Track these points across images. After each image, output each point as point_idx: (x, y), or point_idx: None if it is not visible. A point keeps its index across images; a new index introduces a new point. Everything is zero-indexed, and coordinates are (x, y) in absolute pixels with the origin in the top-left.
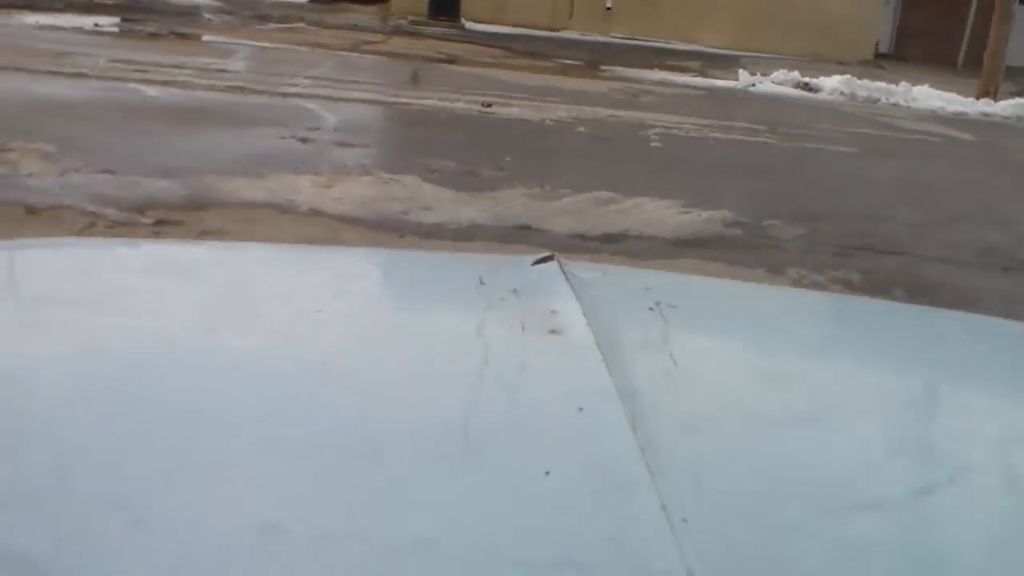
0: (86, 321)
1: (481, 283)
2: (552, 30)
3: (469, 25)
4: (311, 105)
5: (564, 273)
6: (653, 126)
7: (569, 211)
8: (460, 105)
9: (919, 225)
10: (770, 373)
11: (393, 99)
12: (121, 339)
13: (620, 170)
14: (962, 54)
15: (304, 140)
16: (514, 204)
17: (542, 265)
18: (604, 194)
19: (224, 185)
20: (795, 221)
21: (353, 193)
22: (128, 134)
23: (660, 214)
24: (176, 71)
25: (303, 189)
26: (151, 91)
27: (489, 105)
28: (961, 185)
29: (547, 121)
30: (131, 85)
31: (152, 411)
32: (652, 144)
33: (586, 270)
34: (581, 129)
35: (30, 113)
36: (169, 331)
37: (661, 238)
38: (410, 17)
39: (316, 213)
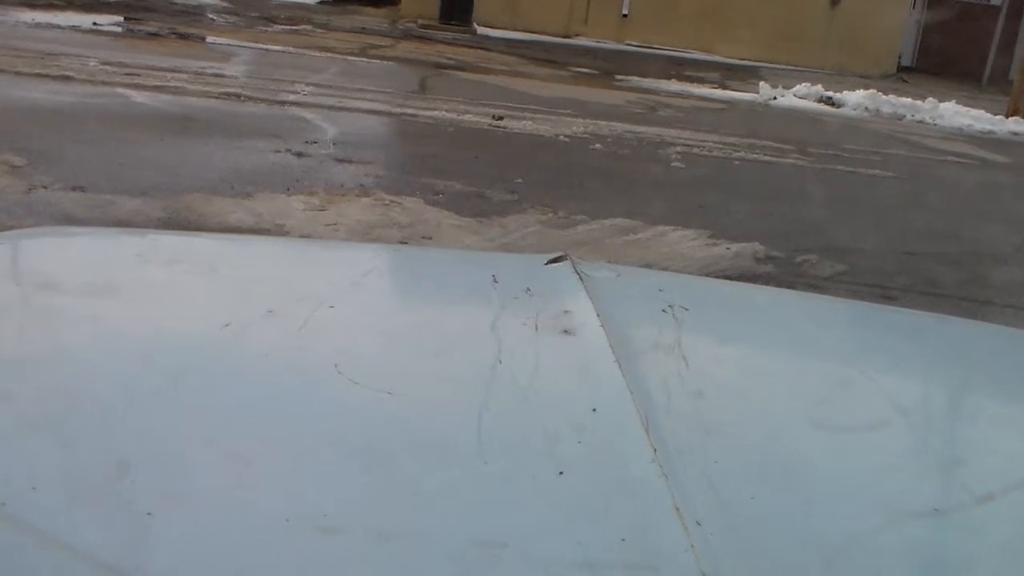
0: (98, 313)
1: (495, 281)
2: (566, 36)
3: (481, 30)
4: (310, 115)
5: (577, 273)
6: (673, 144)
7: (586, 242)
8: (469, 117)
9: (967, 262)
10: (782, 376)
11: (398, 110)
12: (134, 331)
13: (640, 193)
14: (988, 69)
15: (300, 155)
16: (526, 233)
17: (555, 264)
18: (623, 222)
19: (206, 206)
20: (833, 256)
21: (349, 217)
22: (107, 145)
23: (685, 246)
24: (170, 75)
25: (294, 212)
26: (139, 97)
27: (500, 118)
28: (1005, 216)
29: (561, 137)
30: (119, 90)
31: (164, 404)
32: (673, 164)
33: (599, 270)
34: (597, 146)
35: (3, 121)
36: (182, 324)
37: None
38: (420, 20)
39: None
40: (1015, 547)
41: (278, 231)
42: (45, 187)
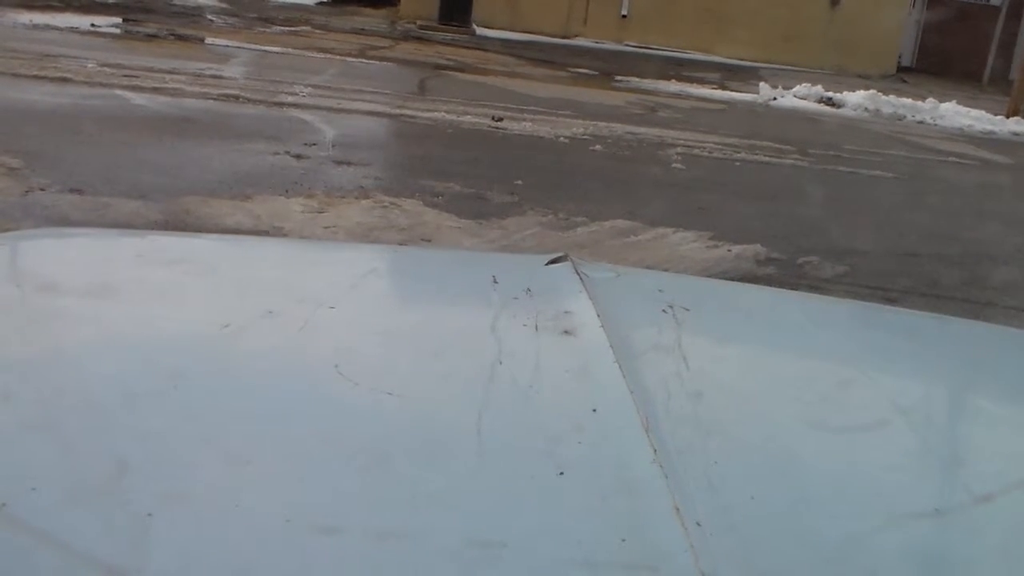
0: (98, 314)
1: (495, 282)
2: (565, 37)
3: (480, 31)
4: (309, 116)
5: (578, 273)
6: (673, 145)
7: (586, 244)
8: (468, 119)
9: (969, 263)
10: (783, 376)
11: (397, 111)
12: (134, 332)
13: (640, 195)
14: (988, 69)
15: (298, 157)
16: (525, 235)
17: (556, 265)
18: (623, 223)
19: (204, 208)
20: (834, 257)
21: (347, 220)
22: (105, 147)
23: (686, 248)
24: (168, 76)
25: (292, 214)
26: (137, 99)
27: (499, 119)
28: (1006, 217)
29: (561, 138)
30: (117, 92)
31: (163, 404)
32: (673, 165)
33: (599, 271)
34: (597, 147)
35: (1, 122)
36: (182, 325)
37: None
38: (419, 21)
39: None
40: (1015, 547)
41: (276, 233)
42: (43, 189)
